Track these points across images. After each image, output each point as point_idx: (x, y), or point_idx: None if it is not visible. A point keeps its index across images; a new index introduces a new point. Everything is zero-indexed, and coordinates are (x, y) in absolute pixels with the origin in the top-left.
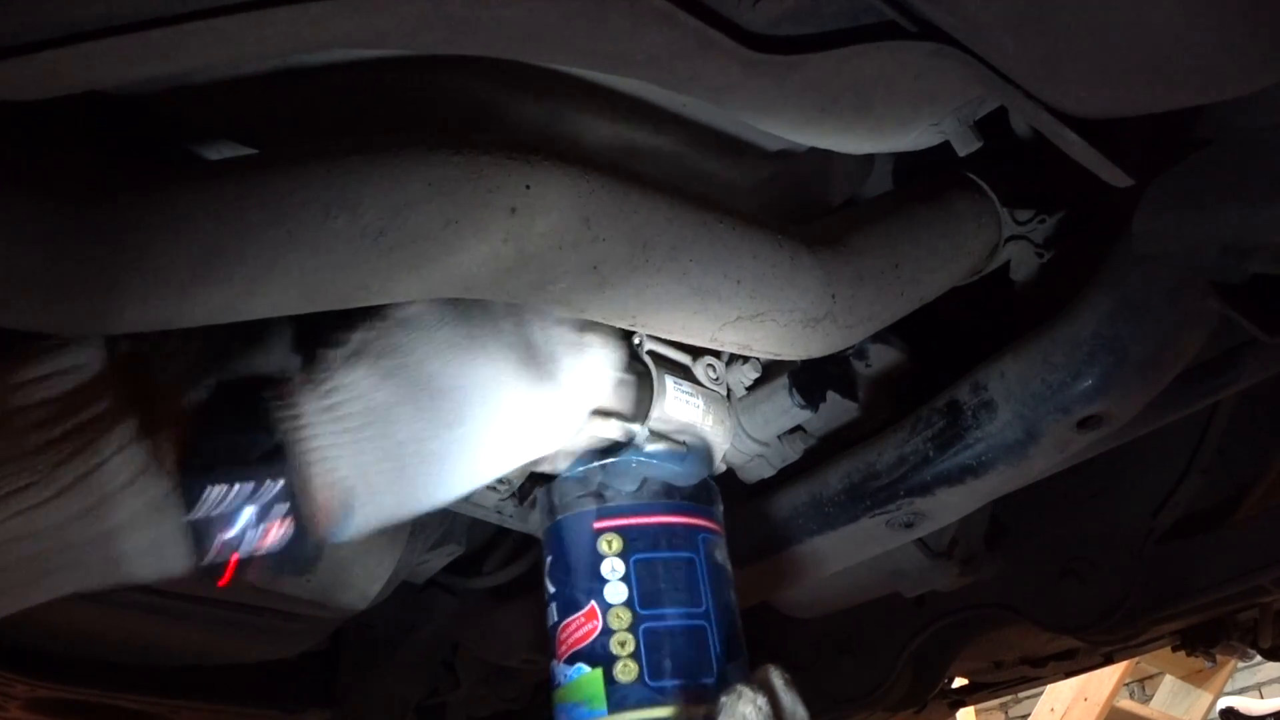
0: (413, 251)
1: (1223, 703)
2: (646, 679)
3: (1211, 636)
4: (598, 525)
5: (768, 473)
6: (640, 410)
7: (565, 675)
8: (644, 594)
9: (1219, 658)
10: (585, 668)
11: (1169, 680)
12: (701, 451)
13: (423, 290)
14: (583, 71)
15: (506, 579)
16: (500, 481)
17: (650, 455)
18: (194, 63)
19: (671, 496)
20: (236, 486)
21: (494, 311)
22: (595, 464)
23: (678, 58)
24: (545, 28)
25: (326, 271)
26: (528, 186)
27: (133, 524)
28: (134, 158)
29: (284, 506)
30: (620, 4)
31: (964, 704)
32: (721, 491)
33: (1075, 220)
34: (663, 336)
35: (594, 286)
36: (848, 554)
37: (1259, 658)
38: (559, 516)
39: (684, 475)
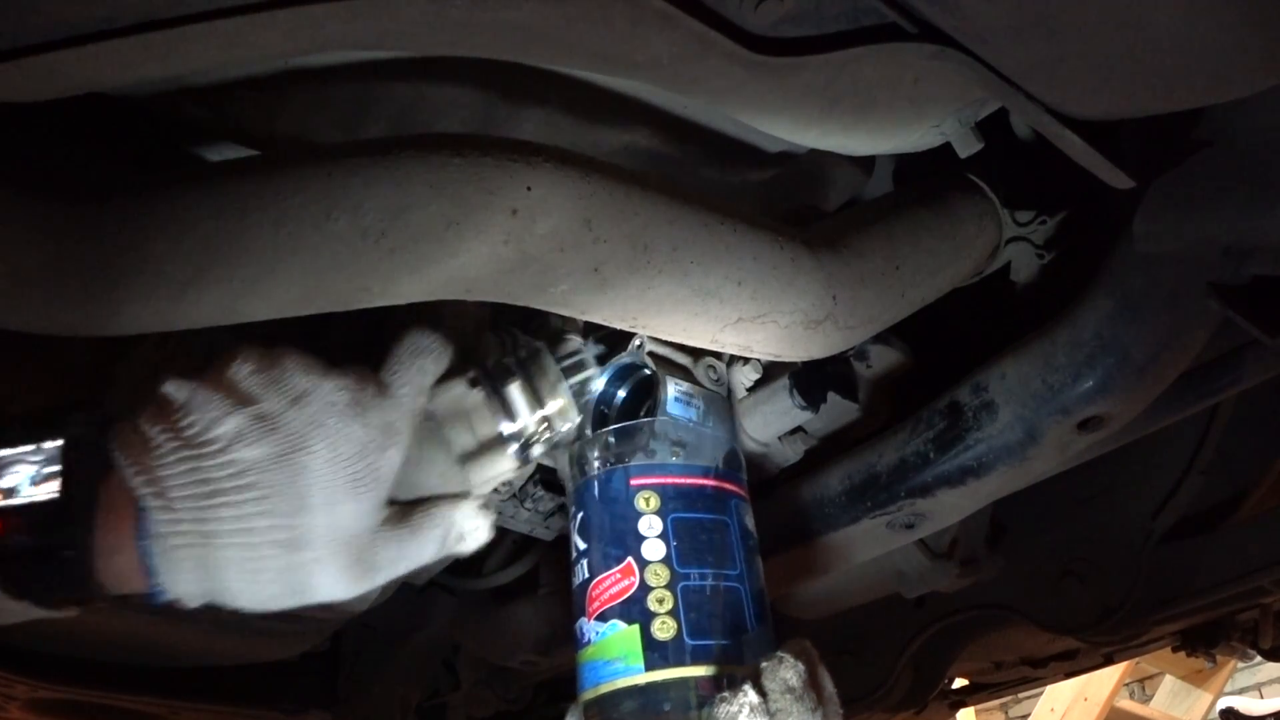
0: (414, 253)
1: (1223, 703)
2: (686, 637)
3: (1211, 637)
4: (635, 482)
5: (769, 474)
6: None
7: (596, 633)
8: (682, 552)
9: (1219, 658)
10: (620, 624)
11: (1169, 680)
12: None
13: (424, 292)
14: (584, 74)
15: (507, 580)
16: (501, 483)
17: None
18: (195, 65)
19: (705, 460)
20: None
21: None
22: (632, 422)
23: (679, 60)
24: (546, 30)
25: (327, 273)
26: (529, 188)
27: None
28: (134, 158)
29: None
30: (622, 6)
31: (964, 704)
32: None
33: (1076, 221)
34: (664, 338)
35: (595, 288)
36: (849, 555)
37: (1259, 658)
38: (593, 472)
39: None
